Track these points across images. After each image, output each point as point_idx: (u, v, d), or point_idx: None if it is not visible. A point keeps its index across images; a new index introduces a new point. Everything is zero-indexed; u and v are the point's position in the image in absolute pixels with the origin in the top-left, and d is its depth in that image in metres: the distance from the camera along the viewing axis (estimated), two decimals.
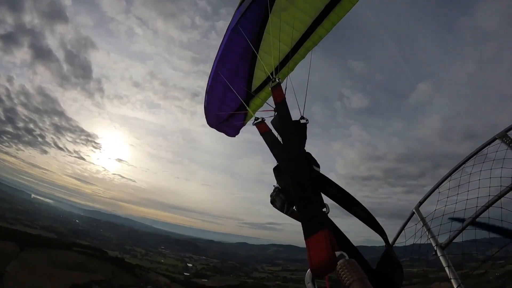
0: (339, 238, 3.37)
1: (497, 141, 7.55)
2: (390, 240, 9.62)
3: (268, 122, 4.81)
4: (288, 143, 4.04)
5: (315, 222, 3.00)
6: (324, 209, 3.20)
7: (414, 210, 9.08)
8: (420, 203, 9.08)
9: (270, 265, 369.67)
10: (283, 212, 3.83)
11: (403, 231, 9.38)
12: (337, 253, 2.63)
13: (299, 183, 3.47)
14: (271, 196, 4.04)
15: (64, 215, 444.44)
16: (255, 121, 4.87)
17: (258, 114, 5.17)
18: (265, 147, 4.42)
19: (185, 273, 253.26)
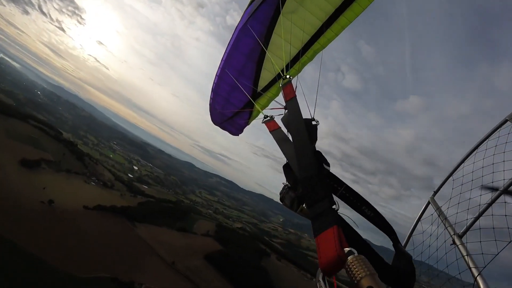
0: (350, 235, 3.37)
1: (508, 123, 7.46)
2: (407, 231, 9.55)
3: (278, 120, 4.86)
4: (298, 140, 4.02)
5: (324, 220, 3.00)
6: (334, 206, 3.21)
7: (429, 200, 9.05)
8: (435, 192, 9.06)
9: (208, 193, 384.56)
10: (293, 210, 3.83)
11: (419, 222, 9.31)
12: (346, 250, 2.63)
13: (308, 181, 3.47)
14: (280, 194, 4.05)
15: (28, 83, 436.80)
16: (264, 119, 4.96)
17: (267, 112, 5.25)
18: None
19: (129, 175, 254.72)
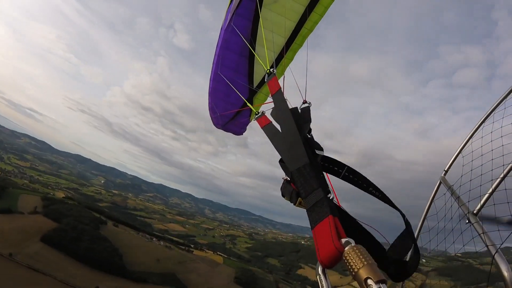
0: (348, 223, 3.26)
1: None
2: (421, 215, 9.39)
3: (269, 114, 4.88)
4: (286, 132, 4.06)
5: (319, 211, 2.95)
6: (329, 195, 3.17)
7: (440, 180, 8.83)
8: (445, 171, 8.83)
9: (18, 158, 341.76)
10: (293, 204, 3.75)
11: (433, 203, 9.15)
12: (343, 240, 2.56)
13: (300, 172, 3.43)
14: (281, 189, 4.03)
15: None
16: (255, 116, 4.92)
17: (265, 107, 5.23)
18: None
19: None
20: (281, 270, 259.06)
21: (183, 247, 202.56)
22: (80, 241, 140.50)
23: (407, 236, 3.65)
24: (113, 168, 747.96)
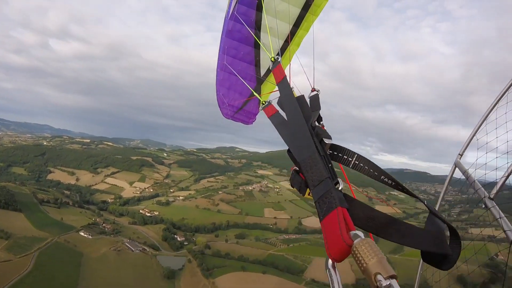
0: (361, 213, 3.05)
1: None
2: (434, 201, 9.39)
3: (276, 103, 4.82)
4: (292, 122, 4.00)
5: (327, 202, 2.88)
6: (338, 185, 3.06)
7: (455, 164, 8.61)
8: (460, 155, 8.61)
9: None
10: (302, 195, 3.67)
11: (448, 187, 9.01)
12: (352, 233, 2.48)
13: (307, 162, 3.39)
14: (290, 180, 3.95)
15: None
16: (262, 106, 4.85)
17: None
18: None
19: None
20: (30, 178, 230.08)
21: None
22: None
23: (435, 221, 3.31)
24: None
